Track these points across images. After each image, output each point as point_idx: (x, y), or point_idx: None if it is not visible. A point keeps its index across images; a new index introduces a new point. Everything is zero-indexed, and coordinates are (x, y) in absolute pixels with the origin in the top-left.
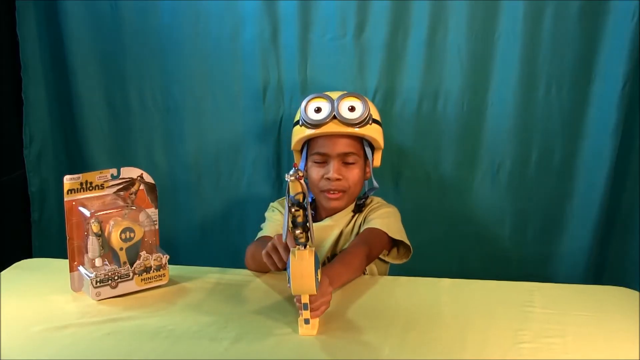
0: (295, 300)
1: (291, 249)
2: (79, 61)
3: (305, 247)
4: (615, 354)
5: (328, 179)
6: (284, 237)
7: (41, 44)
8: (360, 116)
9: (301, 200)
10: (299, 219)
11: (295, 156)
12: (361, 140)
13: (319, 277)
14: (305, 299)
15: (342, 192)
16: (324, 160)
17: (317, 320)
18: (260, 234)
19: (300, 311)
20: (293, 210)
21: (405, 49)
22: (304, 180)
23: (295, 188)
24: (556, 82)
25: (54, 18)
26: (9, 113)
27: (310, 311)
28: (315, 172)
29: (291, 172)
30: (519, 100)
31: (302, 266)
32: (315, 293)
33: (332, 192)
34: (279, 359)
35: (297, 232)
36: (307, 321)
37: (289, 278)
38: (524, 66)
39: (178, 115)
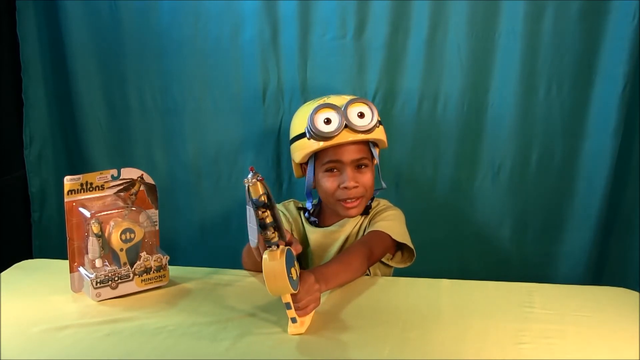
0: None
1: (263, 251)
2: (79, 61)
3: (277, 246)
4: (615, 354)
5: (345, 187)
6: (254, 242)
7: (41, 44)
8: (371, 122)
9: (266, 201)
10: (268, 220)
11: (295, 168)
12: (368, 144)
13: (294, 275)
14: (286, 299)
15: (360, 199)
16: (337, 169)
17: (307, 318)
18: None
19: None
20: (260, 212)
21: (405, 50)
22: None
23: (256, 191)
24: (556, 82)
25: (54, 18)
26: (9, 113)
27: (297, 309)
28: (330, 182)
29: (250, 177)
30: (520, 100)
31: (274, 266)
32: (293, 291)
33: (350, 200)
34: (279, 359)
35: (269, 233)
36: (294, 320)
37: (264, 280)
38: (524, 66)
39: (178, 116)
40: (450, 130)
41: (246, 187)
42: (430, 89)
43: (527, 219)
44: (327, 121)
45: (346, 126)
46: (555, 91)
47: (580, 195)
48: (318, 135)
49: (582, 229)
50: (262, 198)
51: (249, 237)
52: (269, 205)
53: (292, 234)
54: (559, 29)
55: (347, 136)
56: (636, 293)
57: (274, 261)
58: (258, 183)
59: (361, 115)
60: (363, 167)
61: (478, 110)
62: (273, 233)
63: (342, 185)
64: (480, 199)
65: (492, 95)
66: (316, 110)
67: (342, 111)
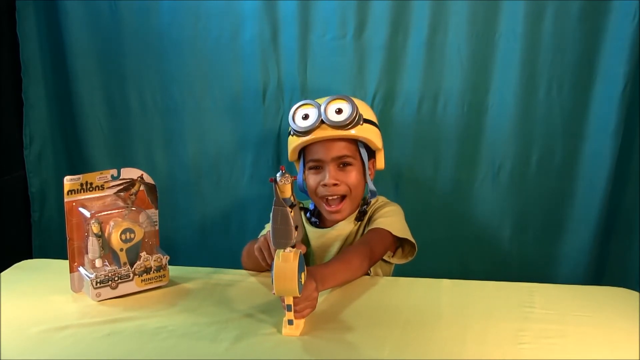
0: (280, 300)
1: (276, 250)
2: (79, 61)
3: (293, 247)
4: (615, 354)
5: (325, 185)
6: (282, 244)
7: (41, 44)
8: (348, 117)
9: (293, 200)
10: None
11: (296, 166)
12: (356, 143)
13: (303, 279)
14: (289, 301)
15: (342, 198)
16: (320, 166)
17: (302, 321)
18: (262, 233)
19: (285, 311)
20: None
21: (405, 50)
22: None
23: (288, 190)
24: (557, 82)
25: (54, 18)
26: (9, 113)
27: (294, 312)
28: (312, 179)
29: (281, 175)
30: (520, 101)
31: (286, 268)
32: (298, 295)
33: (330, 201)
34: (278, 359)
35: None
36: (290, 322)
37: (272, 279)
38: (524, 67)
39: (178, 116)
40: (450, 130)
41: (274, 187)
42: (430, 89)
43: (527, 219)
44: (305, 117)
45: (323, 122)
46: (556, 91)
47: (580, 196)
48: (297, 131)
49: (582, 229)
50: (292, 198)
51: (274, 239)
52: (294, 205)
53: None
54: (559, 30)
55: (325, 132)
56: (636, 293)
57: (286, 263)
58: (290, 183)
59: (339, 111)
60: (347, 165)
61: (478, 111)
62: (295, 233)
63: (322, 182)
64: (480, 199)
65: (492, 95)
66: (296, 107)
67: (321, 107)
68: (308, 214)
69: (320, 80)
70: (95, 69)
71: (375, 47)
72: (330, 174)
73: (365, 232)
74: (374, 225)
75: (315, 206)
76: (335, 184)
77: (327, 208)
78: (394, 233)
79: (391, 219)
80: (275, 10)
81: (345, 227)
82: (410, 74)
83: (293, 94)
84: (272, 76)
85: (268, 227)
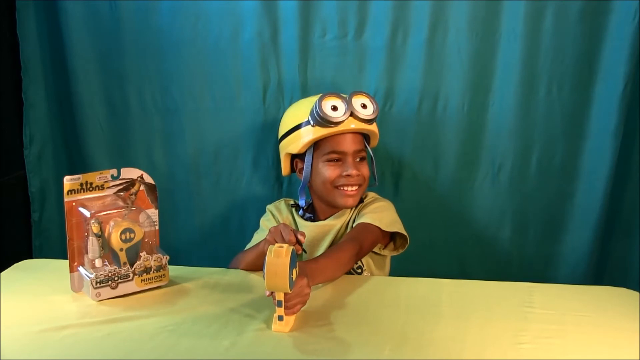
0: (272, 296)
1: (269, 246)
2: (78, 61)
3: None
4: (615, 354)
5: (348, 175)
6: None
7: (41, 44)
8: (373, 113)
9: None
10: None
11: (284, 165)
12: (363, 136)
13: (294, 276)
14: (279, 297)
15: (358, 187)
16: (340, 159)
17: (292, 318)
18: (249, 245)
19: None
20: None
21: (406, 50)
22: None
23: None
24: (557, 82)
25: (54, 18)
26: (9, 113)
27: (285, 308)
28: (331, 171)
29: None
30: (520, 101)
31: (277, 264)
32: (289, 291)
33: (350, 188)
34: (280, 359)
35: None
36: (280, 318)
37: (264, 275)
38: (524, 67)
39: (177, 116)
40: (450, 130)
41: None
42: (430, 89)
43: (528, 219)
44: (334, 108)
45: (351, 114)
46: (556, 91)
47: (580, 195)
48: (325, 121)
49: (583, 229)
50: None
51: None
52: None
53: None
54: (560, 29)
55: (350, 124)
56: (636, 293)
57: (278, 259)
58: None
59: (364, 106)
60: (362, 160)
61: (478, 111)
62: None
63: (344, 174)
64: (480, 199)
65: (492, 95)
66: (323, 97)
67: (348, 100)
68: (301, 212)
69: (321, 80)
70: (95, 69)
71: (375, 47)
72: (353, 166)
73: (354, 226)
74: (362, 219)
75: (307, 203)
76: (358, 175)
77: (345, 192)
78: (383, 228)
79: (380, 214)
80: (275, 10)
81: (340, 218)
82: (410, 73)
83: (293, 94)
84: (272, 76)
85: (256, 236)
